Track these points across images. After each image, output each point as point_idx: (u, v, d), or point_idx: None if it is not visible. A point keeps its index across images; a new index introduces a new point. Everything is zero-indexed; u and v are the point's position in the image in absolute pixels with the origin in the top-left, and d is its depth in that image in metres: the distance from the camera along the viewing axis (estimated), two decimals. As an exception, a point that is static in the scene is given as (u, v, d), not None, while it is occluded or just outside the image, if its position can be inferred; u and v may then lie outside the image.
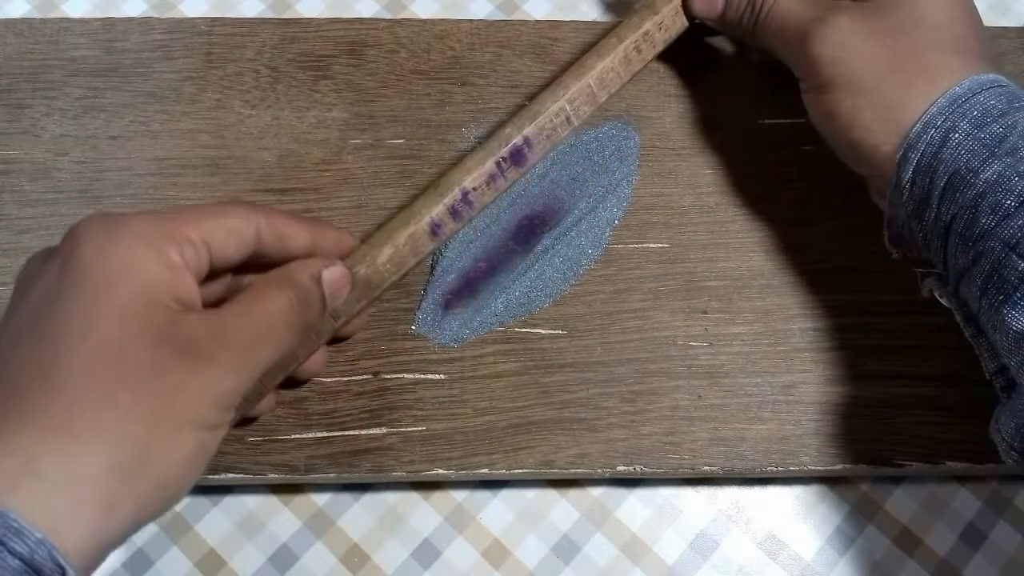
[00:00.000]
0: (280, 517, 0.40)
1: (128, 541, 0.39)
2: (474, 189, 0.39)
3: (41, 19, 0.46)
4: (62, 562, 0.25)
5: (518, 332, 0.41)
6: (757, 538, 0.40)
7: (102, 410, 0.26)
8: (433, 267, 0.42)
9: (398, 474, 0.39)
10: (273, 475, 0.38)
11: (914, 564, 0.40)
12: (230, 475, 0.38)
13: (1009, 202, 0.32)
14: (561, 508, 0.40)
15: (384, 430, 0.39)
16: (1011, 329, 0.32)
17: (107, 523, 0.26)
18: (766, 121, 0.45)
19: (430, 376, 0.40)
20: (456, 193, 0.38)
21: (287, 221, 0.34)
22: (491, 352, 0.41)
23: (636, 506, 0.41)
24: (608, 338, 0.41)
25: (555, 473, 0.39)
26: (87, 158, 0.43)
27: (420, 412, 0.39)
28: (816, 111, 0.38)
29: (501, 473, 0.39)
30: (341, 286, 0.34)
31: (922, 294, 0.37)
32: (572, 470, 0.39)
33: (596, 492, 0.41)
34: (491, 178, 0.39)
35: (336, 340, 0.40)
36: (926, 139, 0.34)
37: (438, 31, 0.46)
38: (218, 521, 0.40)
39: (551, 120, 0.40)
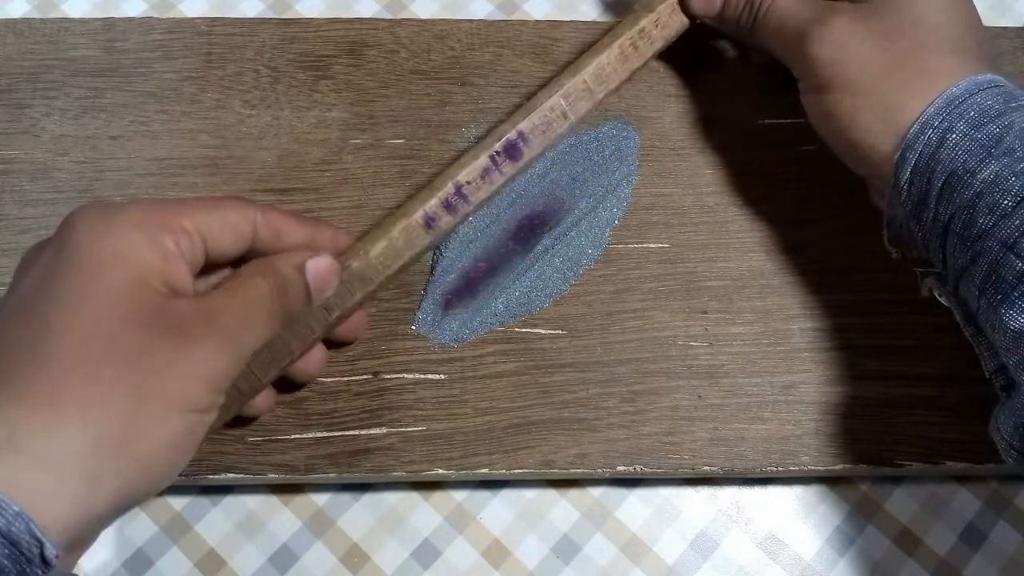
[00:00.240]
0: (280, 517, 0.40)
1: (128, 541, 0.39)
2: (468, 183, 0.39)
3: (41, 19, 0.46)
4: (40, 535, 0.25)
5: (518, 332, 0.41)
6: (757, 538, 0.40)
7: (88, 386, 0.27)
8: (433, 267, 0.42)
9: (398, 474, 0.39)
10: (273, 475, 0.38)
11: (914, 564, 0.40)
12: (230, 475, 0.38)
13: (1006, 202, 0.32)
14: (561, 508, 0.40)
15: (384, 430, 0.39)
16: (1009, 328, 0.32)
17: (90, 498, 0.26)
18: (766, 121, 0.45)
19: (430, 376, 0.40)
20: (449, 187, 0.39)
21: (284, 218, 0.34)
22: (491, 352, 0.41)
23: (636, 506, 0.41)
24: (608, 338, 0.41)
25: (555, 473, 0.39)
26: (87, 158, 0.43)
27: (420, 412, 0.39)
28: (815, 112, 0.39)
29: (501, 473, 0.39)
30: (328, 277, 0.35)
31: (922, 293, 0.38)
32: (572, 470, 0.39)
33: (596, 492, 0.41)
34: (485, 171, 0.39)
35: (339, 344, 0.40)
36: (923, 140, 0.34)
37: (438, 31, 0.46)
38: (218, 521, 0.40)
39: (545, 115, 0.40)
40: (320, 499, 0.40)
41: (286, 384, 0.38)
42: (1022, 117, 0.33)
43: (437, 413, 0.39)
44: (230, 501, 0.40)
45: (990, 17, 0.50)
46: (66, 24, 0.46)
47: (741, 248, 0.43)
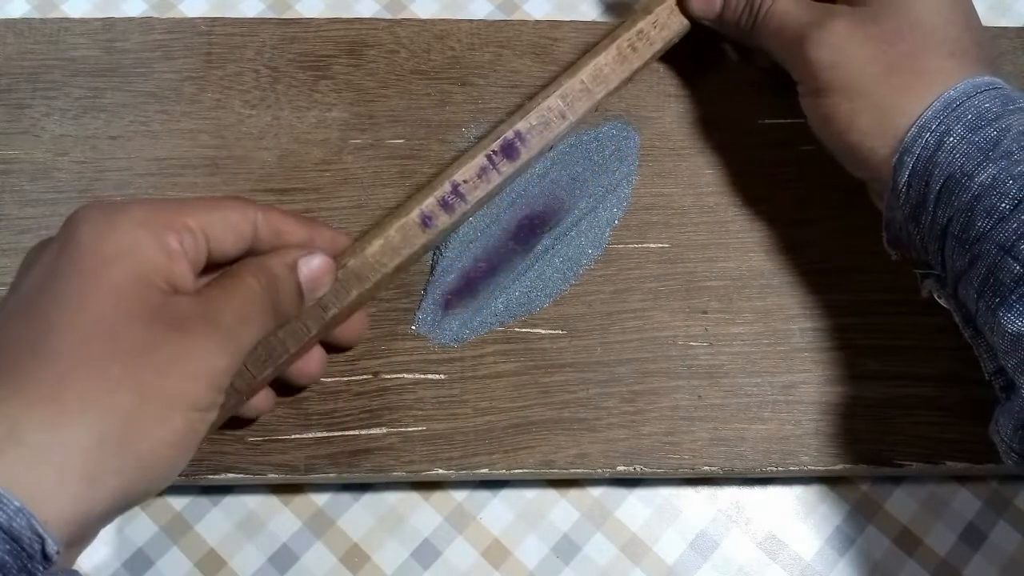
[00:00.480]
0: (280, 517, 0.40)
1: (128, 541, 0.39)
2: (464, 181, 0.39)
3: (41, 19, 0.46)
4: (41, 531, 0.25)
5: (518, 332, 0.41)
6: (757, 538, 0.40)
7: (91, 382, 0.27)
8: (433, 267, 0.42)
9: (398, 474, 0.39)
10: (273, 475, 0.38)
11: (914, 564, 0.40)
12: (230, 475, 0.38)
13: (1004, 205, 0.32)
14: (561, 508, 0.40)
15: (384, 430, 0.39)
16: (1007, 331, 0.32)
17: (90, 495, 0.26)
18: (766, 121, 0.45)
19: (430, 376, 0.40)
20: (446, 186, 0.39)
21: (284, 218, 0.34)
22: (491, 352, 0.41)
23: (636, 506, 0.41)
24: (608, 338, 0.41)
25: (555, 473, 0.39)
26: (87, 158, 0.43)
27: (420, 412, 0.39)
28: (813, 114, 0.39)
29: (501, 473, 0.39)
30: (321, 275, 0.35)
31: (921, 295, 0.38)
32: (572, 470, 0.39)
33: (596, 492, 0.41)
34: (482, 171, 0.40)
35: (340, 349, 0.40)
36: (921, 143, 0.34)
37: (438, 31, 0.46)
38: (218, 521, 0.40)
39: (543, 115, 0.41)
40: (320, 499, 0.40)
41: (286, 387, 0.38)
42: (1020, 120, 0.33)
43: (437, 413, 0.39)
44: (230, 501, 0.40)
45: (990, 17, 0.50)
46: (66, 24, 0.46)
47: (741, 248, 0.43)
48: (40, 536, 0.25)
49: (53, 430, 0.26)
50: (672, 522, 0.40)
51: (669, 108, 0.45)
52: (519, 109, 0.41)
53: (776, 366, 0.41)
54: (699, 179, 0.44)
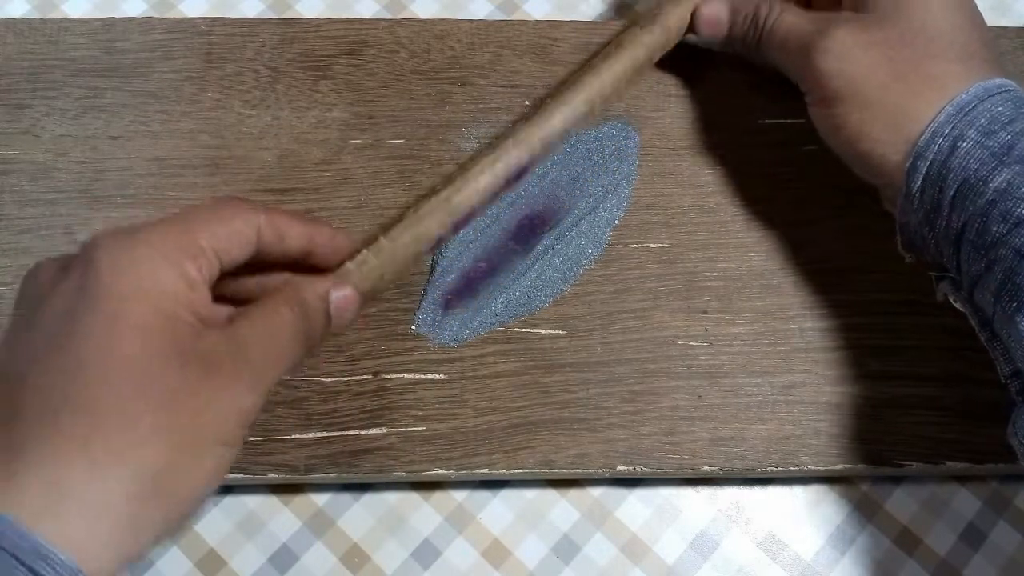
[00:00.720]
0: (280, 517, 0.40)
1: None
2: (478, 205, 0.38)
3: (41, 19, 0.46)
4: None
5: (518, 332, 0.41)
6: (757, 538, 0.40)
7: (127, 432, 0.26)
8: (433, 267, 0.42)
9: (398, 474, 0.39)
10: (273, 475, 0.38)
11: (914, 564, 0.40)
12: (230, 475, 0.38)
13: (1020, 210, 0.32)
14: (561, 508, 0.40)
15: (384, 430, 0.39)
16: None
17: (132, 543, 0.26)
18: (766, 121, 0.45)
19: (430, 376, 0.40)
20: (462, 213, 0.38)
21: (286, 220, 0.34)
22: (491, 352, 0.41)
23: (636, 506, 0.41)
24: (608, 338, 0.41)
25: (555, 473, 0.39)
26: (87, 158, 0.43)
27: (420, 412, 0.39)
28: (823, 125, 0.38)
29: (501, 473, 0.39)
30: (347, 307, 0.34)
31: (937, 298, 0.37)
32: (572, 470, 0.39)
33: (596, 492, 0.41)
34: (494, 195, 0.39)
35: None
36: (934, 148, 0.34)
37: (438, 31, 0.46)
38: (218, 521, 0.40)
39: (550, 140, 0.40)
40: (320, 499, 0.40)
41: (286, 386, 0.38)
42: None
43: (437, 413, 0.39)
44: (230, 501, 0.40)
45: (990, 17, 0.50)
46: (66, 24, 0.46)
47: (741, 248, 0.43)
48: None
49: (92, 486, 0.25)
50: (672, 522, 0.40)
51: (669, 108, 0.45)
52: (525, 130, 0.39)
53: (776, 366, 0.41)
54: (699, 179, 0.44)
